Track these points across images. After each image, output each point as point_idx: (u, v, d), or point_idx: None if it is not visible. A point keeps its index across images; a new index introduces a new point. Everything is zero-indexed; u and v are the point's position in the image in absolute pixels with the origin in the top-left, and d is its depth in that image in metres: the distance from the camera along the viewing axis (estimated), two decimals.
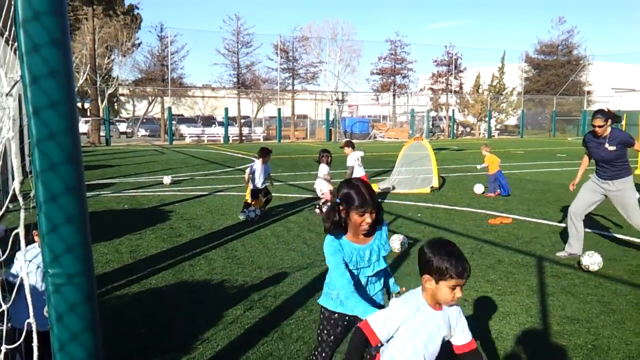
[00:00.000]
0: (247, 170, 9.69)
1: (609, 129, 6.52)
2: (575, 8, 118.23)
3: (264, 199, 9.77)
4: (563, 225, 8.78)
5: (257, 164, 9.64)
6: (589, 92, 52.75)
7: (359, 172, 10.01)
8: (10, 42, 2.44)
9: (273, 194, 10.85)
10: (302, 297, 5.34)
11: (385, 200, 11.37)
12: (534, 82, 53.11)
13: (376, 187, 13.02)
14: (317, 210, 9.66)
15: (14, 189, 2.01)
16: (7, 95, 2.05)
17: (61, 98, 1.76)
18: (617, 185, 6.56)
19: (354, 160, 10.07)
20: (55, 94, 1.75)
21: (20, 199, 1.96)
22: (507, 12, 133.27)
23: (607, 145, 6.50)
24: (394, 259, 6.71)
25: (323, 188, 9.76)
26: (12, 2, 1.77)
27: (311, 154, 25.61)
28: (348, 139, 12.51)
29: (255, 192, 9.61)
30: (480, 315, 4.88)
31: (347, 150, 10.17)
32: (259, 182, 9.61)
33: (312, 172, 16.47)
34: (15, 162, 2.05)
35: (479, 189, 12.35)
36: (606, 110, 6.70)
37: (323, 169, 9.86)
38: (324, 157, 9.94)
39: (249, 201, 9.55)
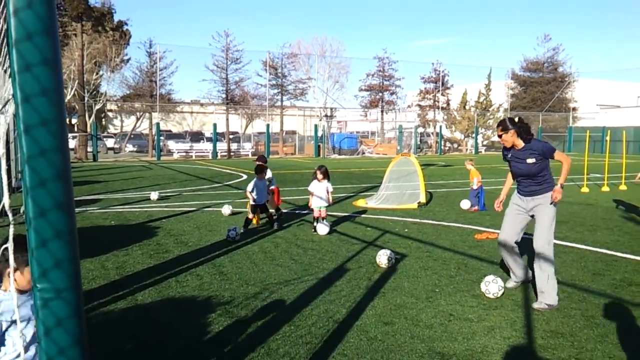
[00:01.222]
0: (250, 186, 9.87)
1: (521, 140, 5.90)
2: (560, 26, 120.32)
3: (265, 213, 9.95)
4: None
5: (254, 181, 9.86)
6: (574, 109, 53.46)
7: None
8: (1, 60, 2.48)
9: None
10: (289, 312, 5.35)
11: (372, 216, 11.43)
12: (520, 98, 53.75)
13: (364, 203, 13.09)
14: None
15: (2, 205, 2.04)
16: None
17: (52, 116, 1.81)
18: (536, 201, 5.97)
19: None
20: (47, 112, 1.79)
21: (9, 214, 1.99)
22: (493, 29, 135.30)
23: (527, 158, 5.87)
24: (382, 274, 6.75)
25: (320, 204, 9.64)
26: (5, 22, 1.81)
27: (300, 169, 25.68)
28: (262, 155, 12.70)
29: (254, 208, 9.79)
30: (465, 329, 4.92)
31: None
32: (257, 198, 9.76)
33: (300, 188, 16.51)
34: (4, 178, 2.08)
35: (465, 204, 12.48)
36: (513, 119, 5.99)
37: (327, 185, 9.75)
38: (325, 172, 9.82)
39: (250, 217, 9.75)
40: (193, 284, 6.36)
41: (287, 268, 7.10)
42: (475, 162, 13.28)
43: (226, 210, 11.62)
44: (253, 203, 9.77)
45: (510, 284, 6.29)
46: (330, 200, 9.80)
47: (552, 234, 5.90)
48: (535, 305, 5.59)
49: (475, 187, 12.65)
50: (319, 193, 9.65)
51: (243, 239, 8.88)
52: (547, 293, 5.57)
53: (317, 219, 9.55)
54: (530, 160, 5.85)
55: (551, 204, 5.89)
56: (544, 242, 5.84)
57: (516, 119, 5.99)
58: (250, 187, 9.82)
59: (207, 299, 5.78)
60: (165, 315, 5.32)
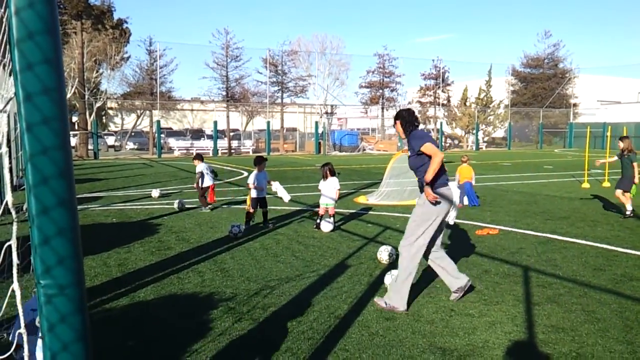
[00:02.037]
0: (251, 178, 9.90)
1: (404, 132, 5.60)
2: (561, 22, 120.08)
3: (261, 210, 9.90)
4: (549, 235, 8.90)
5: (255, 173, 9.87)
6: (575, 105, 53.41)
7: (208, 182, 11.99)
8: (1, 60, 2.50)
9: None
10: (290, 308, 5.37)
11: (373, 212, 11.44)
12: (521, 95, 53.70)
13: (365, 199, 13.11)
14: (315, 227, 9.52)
15: (5, 202, 2.06)
16: (0, 111, 2.11)
17: (54, 114, 1.82)
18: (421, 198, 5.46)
19: (204, 168, 12.02)
20: (48, 111, 1.81)
21: (13, 212, 2.01)
22: (493, 26, 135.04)
23: (409, 151, 5.56)
24: (383, 270, 6.77)
25: (329, 202, 9.58)
26: (7, 22, 1.83)
27: (300, 166, 25.69)
28: (198, 152, 13.42)
29: (255, 201, 9.79)
30: (466, 324, 4.94)
31: (196, 162, 12.23)
32: (254, 191, 9.77)
33: (300, 185, 16.55)
34: (7, 176, 2.10)
35: (464, 201, 12.47)
36: (404, 110, 5.75)
37: (335, 183, 9.65)
38: (327, 169, 9.73)
39: (251, 211, 9.77)
40: (195, 280, 6.38)
41: (289, 264, 7.12)
42: (477, 159, 13.26)
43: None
44: (254, 196, 9.76)
45: (452, 295, 5.65)
46: (336, 197, 9.63)
47: (419, 236, 5.36)
48: (375, 299, 5.48)
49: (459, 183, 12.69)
50: (326, 191, 9.58)
51: (244, 235, 8.90)
52: (392, 292, 5.35)
53: (321, 217, 9.53)
54: (409, 154, 5.56)
55: (427, 202, 5.33)
56: (405, 242, 5.44)
57: (405, 110, 5.74)
58: (251, 179, 9.83)
59: (209, 296, 5.80)
60: (167, 312, 5.34)
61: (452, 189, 5.62)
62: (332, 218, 9.48)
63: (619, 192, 10.87)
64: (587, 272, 6.68)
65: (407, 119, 5.61)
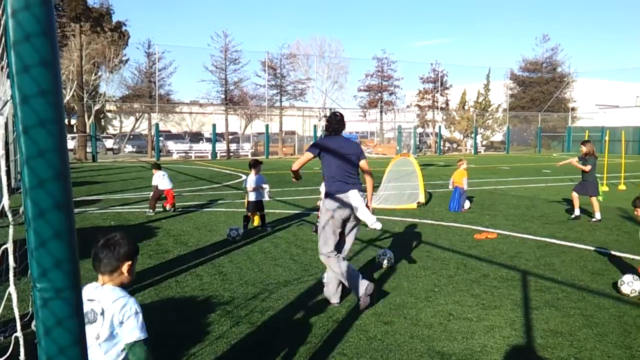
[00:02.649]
0: (247, 181, 9.84)
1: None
2: (559, 26, 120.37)
3: (257, 213, 9.82)
4: (548, 240, 8.90)
5: (250, 176, 9.79)
6: (573, 109, 53.53)
7: (166, 185, 12.15)
8: None
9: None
10: (289, 312, 5.36)
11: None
12: (519, 99, 53.80)
13: None
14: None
15: (2, 206, 2.04)
16: None
17: (51, 117, 1.81)
18: None
19: (159, 178, 12.11)
20: (45, 113, 1.80)
21: (9, 215, 2.00)
22: (491, 30, 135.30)
23: None
24: (381, 274, 6.76)
25: None
26: (3, 24, 1.82)
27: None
28: (155, 162, 13.34)
29: (252, 205, 9.73)
30: (465, 329, 4.93)
31: (154, 171, 12.37)
32: (252, 194, 9.69)
33: (299, 188, 16.52)
34: (4, 179, 2.09)
35: (465, 204, 12.47)
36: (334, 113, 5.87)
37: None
38: None
39: (248, 214, 9.74)
40: (193, 284, 6.36)
41: (287, 268, 7.10)
42: (475, 162, 13.22)
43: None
44: (251, 200, 9.72)
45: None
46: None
47: (322, 244, 5.55)
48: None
49: (451, 187, 12.70)
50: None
51: (243, 239, 8.88)
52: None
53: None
54: None
55: (322, 210, 5.61)
56: (320, 254, 5.66)
57: (332, 114, 5.87)
58: (248, 182, 9.80)
59: (207, 299, 5.79)
60: (165, 315, 5.32)
61: (350, 197, 5.47)
62: None
63: (575, 194, 10.96)
64: (586, 277, 6.68)
65: (327, 123, 5.82)
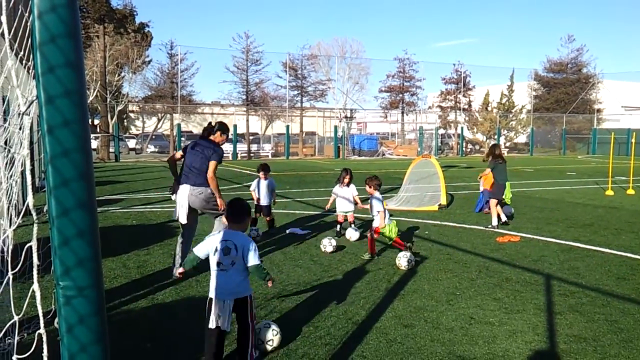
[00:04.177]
0: (252, 188, 9.82)
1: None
2: (584, 26, 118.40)
3: (266, 218, 9.67)
4: (572, 243, 8.77)
5: (256, 181, 9.79)
6: (598, 110, 52.66)
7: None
8: (24, 62, 2.52)
9: (280, 210, 10.95)
10: (308, 313, 5.35)
11: (392, 217, 11.36)
12: (544, 100, 53.09)
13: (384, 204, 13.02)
14: (341, 236, 9.18)
15: (27, 204, 2.07)
16: (23, 114, 2.13)
17: (75, 117, 1.83)
18: None
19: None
20: (70, 113, 1.82)
21: (34, 213, 2.02)
22: (515, 30, 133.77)
23: None
24: (401, 276, 6.72)
25: (347, 208, 9.36)
26: (29, 25, 1.84)
27: (319, 171, 25.71)
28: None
29: (257, 207, 9.63)
30: (486, 333, 4.87)
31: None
32: (265, 198, 9.62)
33: (319, 189, 16.54)
34: (29, 178, 2.12)
35: (507, 210, 11.37)
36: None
37: (353, 190, 9.40)
38: (348, 177, 9.39)
39: (257, 215, 9.66)
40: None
41: (307, 269, 7.10)
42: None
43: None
44: (256, 203, 9.61)
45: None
46: (360, 204, 9.28)
47: None
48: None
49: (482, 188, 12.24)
50: (344, 196, 9.33)
51: (262, 239, 8.90)
52: None
53: (341, 224, 9.36)
54: None
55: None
56: None
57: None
58: (253, 186, 9.76)
59: None
60: (185, 314, 5.36)
61: (181, 191, 6.54)
62: (353, 225, 9.30)
63: (494, 202, 10.36)
64: (611, 281, 6.56)
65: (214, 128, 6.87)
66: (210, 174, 6.50)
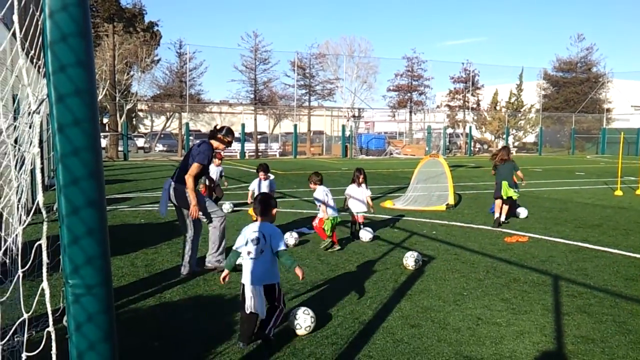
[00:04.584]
0: (250, 187, 9.81)
1: None
2: (594, 25, 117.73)
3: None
4: (580, 244, 8.72)
5: (256, 181, 9.79)
6: (608, 110, 52.31)
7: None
8: (35, 61, 2.54)
9: (288, 209, 10.96)
10: (315, 312, 5.34)
11: (400, 217, 11.36)
12: (553, 99, 52.80)
13: (391, 204, 13.03)
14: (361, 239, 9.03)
15: (37, 202, 2.09)
16: (33, 112, 2.14)
17: (85, 116, 1.85)
18: None
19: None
20: (80, 112, 1.83)
21: (43, 211, 2.04)
22: (524, 29, 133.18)
23: None
24: (408, 276, 6.71)
25: (360, 209, 9.23)
26: (40, 24, 1.86)
27: (327, 170, 25.70)
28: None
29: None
30: (494, 333, 4.86)
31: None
32: None
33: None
34: (39, 176, 2.14)
35: (523, 212, 11.51)
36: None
37: (366, 190, 9.26)
38: (362, 177, 9.23)
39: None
40: (220, 282, 6.40)
41: (314, 268, 7.11)
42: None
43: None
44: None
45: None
46: (372, 207, 9.28)
47: None
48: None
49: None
50: (358, 197, 9.20)
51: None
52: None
53: (355, 224, 9.21)
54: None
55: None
56: None
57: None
58: (255, 186, 9.76)
59: (234, 298, 5.82)
60: (193, 313, 5.38)
61: (165, 185, 6.75)
62: (362, 226, 9.21)
63: (498, 202, 10.70)
64: (619, 282, 6.52)
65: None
66: (187, 175, 6.43)
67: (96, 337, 1.99)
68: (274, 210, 4.78)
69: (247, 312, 4.45)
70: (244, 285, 4.51)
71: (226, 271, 4.72)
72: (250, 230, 4.63)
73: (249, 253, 4.53)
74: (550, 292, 6.14)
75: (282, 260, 4.58)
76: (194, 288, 6.19)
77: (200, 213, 6.60)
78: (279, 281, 4.62)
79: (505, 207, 10.63)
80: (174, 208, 6.93)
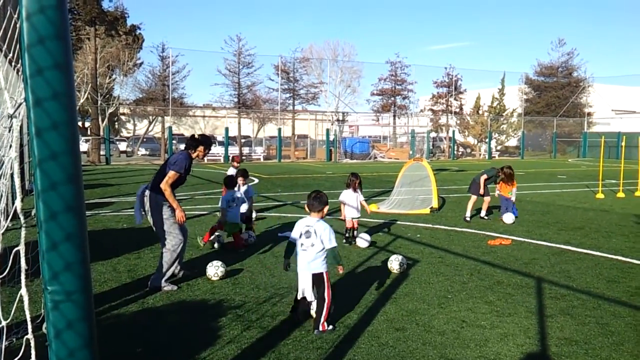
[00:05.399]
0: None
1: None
2: (575, 30, 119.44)
3: (244, 224, 9.39)
4: (563, 246, 8.80)
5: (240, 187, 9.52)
6: (589, 114, 53.00)
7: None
8: (13, 63, 2.50)
9: (273, 213, 10.95)
10: (299, 317, 5.32)
11: (384, 221, 11.38)
12: (534, 103, 53.36)
13: (375, 208, 13.05)
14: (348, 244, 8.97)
15: (15, 208, 2.05)
16: (11, 116, 2.10)
17: (63, 120, 1.81)
18: None
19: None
20: (58, 116, 1.80)
21: (21, 217, 2.00)
22: (506, 34, 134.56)
23: None
24: (393, 280, 6.71)
25: (355, 215, 9.11)
26: (18, 26, 1.82)
27: (311, 174, 25.70)
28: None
29: (241, 216, 9.22)
30: (478, 336, 4.87)
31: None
32: (244, 206, 9.34)
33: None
34: (17, 181, 2.09)
35: (508, 218, 11.32)
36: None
37: (359, 195, 9.17)
38: (358, 181, 9.16)
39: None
40: (204, 287, 6.36)
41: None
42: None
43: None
44: (242, 212, 9.26)
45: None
46: (369, 209, 9.30)
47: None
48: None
49: (513, 197, 11.96)
50: (352, 203, 9.08)
51: (254, 242, 8.85)
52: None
53: (349, 230, 9.09)
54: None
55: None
56: None
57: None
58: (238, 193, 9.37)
59: (218, 303, 5.78)
60: (176, 319, 5.32)
61: (139, 192, 6.56)
62: (356, 231, 9.09)
63: (472, 198, 11.74)
64: (601, 284, 6.58)
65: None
66: (163, 184, 6.26)
67: (76, 344, 1.95)
68: (326, 208, 5.22)
69: (299, 296, 5.08)
70: (297, 273, 5.12)
71: (286, 260, 5.26)
72: (304, 225, 5.11)
73: (301, 245, 5.06)
74: (533, 294, 6.18)
75: (330, 255, 5.14)
76: (177, 294, 6.13)
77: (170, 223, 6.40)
78: (327, 270, 5.11)
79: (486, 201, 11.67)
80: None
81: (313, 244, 5.02)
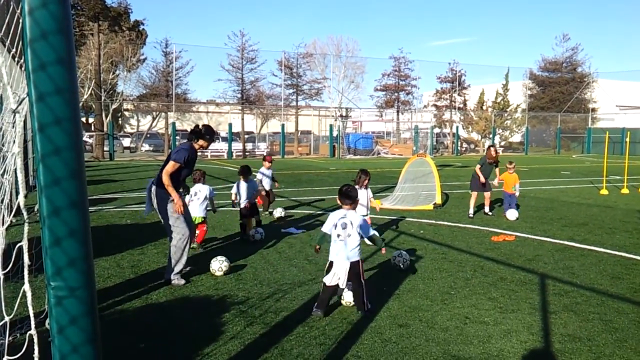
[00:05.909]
0: (233, 190, 9.43)
1: None
2: (579, 25, 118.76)
3: (252, 219, 9.27)
4: (567, 243, 8.78)
5: (241, 183, 9.35)
6: (593, 110, 52.78)
7: None
8: (17, 59, 2.49)
9: (275, 209, 10.94)
10: (302, 313, 5.34)
11: (387, 217, 11.37)
12: (538, 99, 53.18)
13: (379, 204, 13.01)
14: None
15: (18, 203, 2.05)
16: (14, 111, 2.10)
17: (66, 115, 1.81)
18: None
19: None
20: (61, 111, 1.79)
21: (24, 213, 2.00)
22: (510, 29, 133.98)
23: None
24: (396, 276, 6.71)
25: (364, 212, 8.74)
26: (21, 21, 1.82)
27: (315, 170, 25.68)
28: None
29: (243, 211, 9.23)
30: (481, 332, 4.87)
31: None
32: (242, 202, 9.24)
33: (315, 188, 16.52)
34: (20, 176, 2.09)
35: (512, 214, 11.22)
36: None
37: (369, 192, 9.01)
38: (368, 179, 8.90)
39: (246, 220, 9.20)
40: (207, 283, 6.37)
41: (302, 268, 7.08)
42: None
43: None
44: (242, 206, 9.23)
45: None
46: (377, 207, 9.23)
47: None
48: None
49: (517, 193, 11.87)
50: (362, 201, 8.61)
51: (261, 239, 8.84)
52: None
53: None
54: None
55: None
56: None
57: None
58: (234, 189, 9.39)
59: (222, 299, 5.79)
60: (180, 314, 5.33)
61: (148, 186, 6.58)
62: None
63: (474, 194, 11.82)
64: (605, 281, 6.56)
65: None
66: (163, 174, 6.25)
67: (79, 340, 1.95)
68: (356, 201, 5.64)
69: (330, 284, 5.27)
70: (332, 262, 5.33)
71: (318, 246, 5.65)
72: (338, 217, 5.41)
73: (338, 236, 5.33)
74: (537, 290, 6.17)
75: (375, 241, 5.75)
76: (181, 289, 6.14)
77: (175, 216, 6.40)
78: (362, 258, 5.48)
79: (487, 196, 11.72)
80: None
81: (350, 234, 5.29)
